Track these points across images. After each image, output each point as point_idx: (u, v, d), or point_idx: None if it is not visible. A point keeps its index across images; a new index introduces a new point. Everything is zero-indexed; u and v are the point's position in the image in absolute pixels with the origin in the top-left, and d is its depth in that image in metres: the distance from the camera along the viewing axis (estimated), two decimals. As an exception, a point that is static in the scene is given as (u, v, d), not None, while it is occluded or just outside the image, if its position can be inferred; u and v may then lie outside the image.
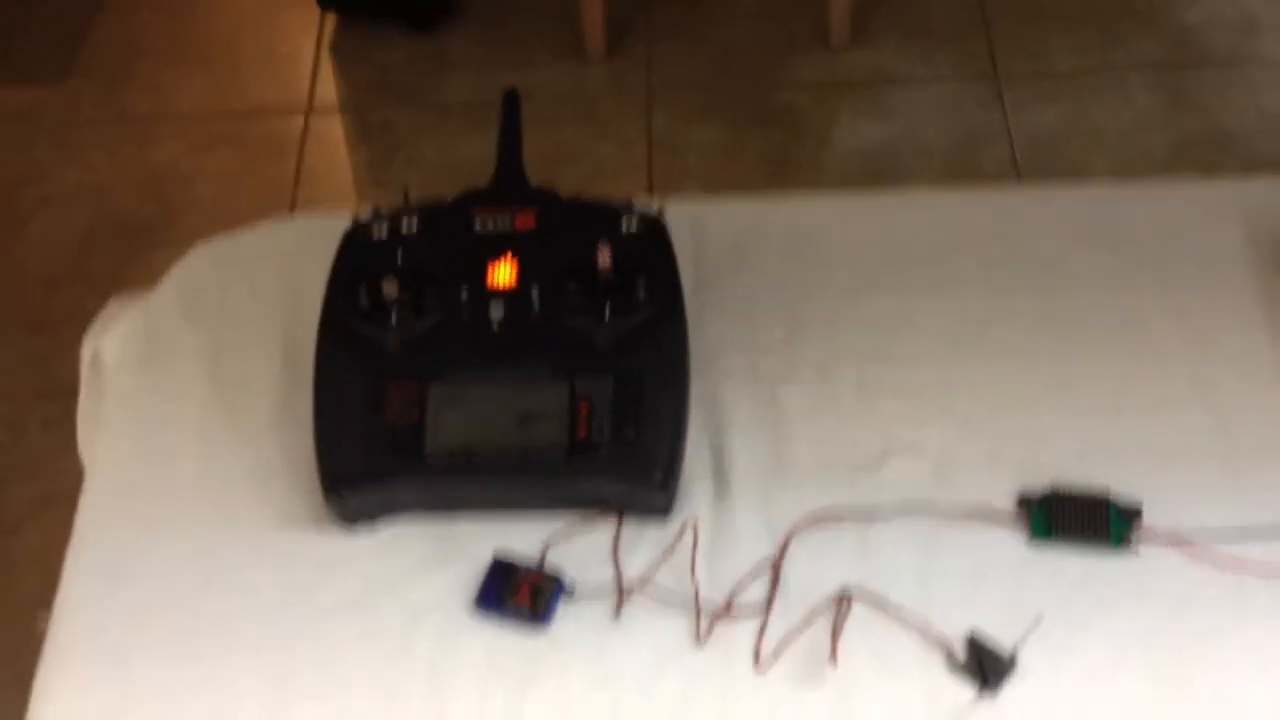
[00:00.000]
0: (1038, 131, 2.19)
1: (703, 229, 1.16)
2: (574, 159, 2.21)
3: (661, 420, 1.03)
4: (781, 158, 2.20)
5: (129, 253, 2.12)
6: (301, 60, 2.36)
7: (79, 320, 2.01)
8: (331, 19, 2.40)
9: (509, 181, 1.17)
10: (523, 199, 1.13)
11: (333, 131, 2.29)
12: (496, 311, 1.06)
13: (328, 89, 2.33)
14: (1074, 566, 1.02)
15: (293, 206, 2.17)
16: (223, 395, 1.13)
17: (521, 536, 1.05)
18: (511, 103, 1.21)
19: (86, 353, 1.21)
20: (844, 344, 1.14)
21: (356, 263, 1.09)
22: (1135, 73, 2.25)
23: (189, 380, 1.14)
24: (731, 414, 1.11)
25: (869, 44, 2.33)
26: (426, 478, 1.02)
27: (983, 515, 1.04)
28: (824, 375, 1.12)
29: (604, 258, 1.05)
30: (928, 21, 2.35)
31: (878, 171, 2.16)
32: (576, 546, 1.05)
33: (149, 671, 1.00)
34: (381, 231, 1.10)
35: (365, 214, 1.12)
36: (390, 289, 1.05)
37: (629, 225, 1.10)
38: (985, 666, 0.97)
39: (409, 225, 1.11)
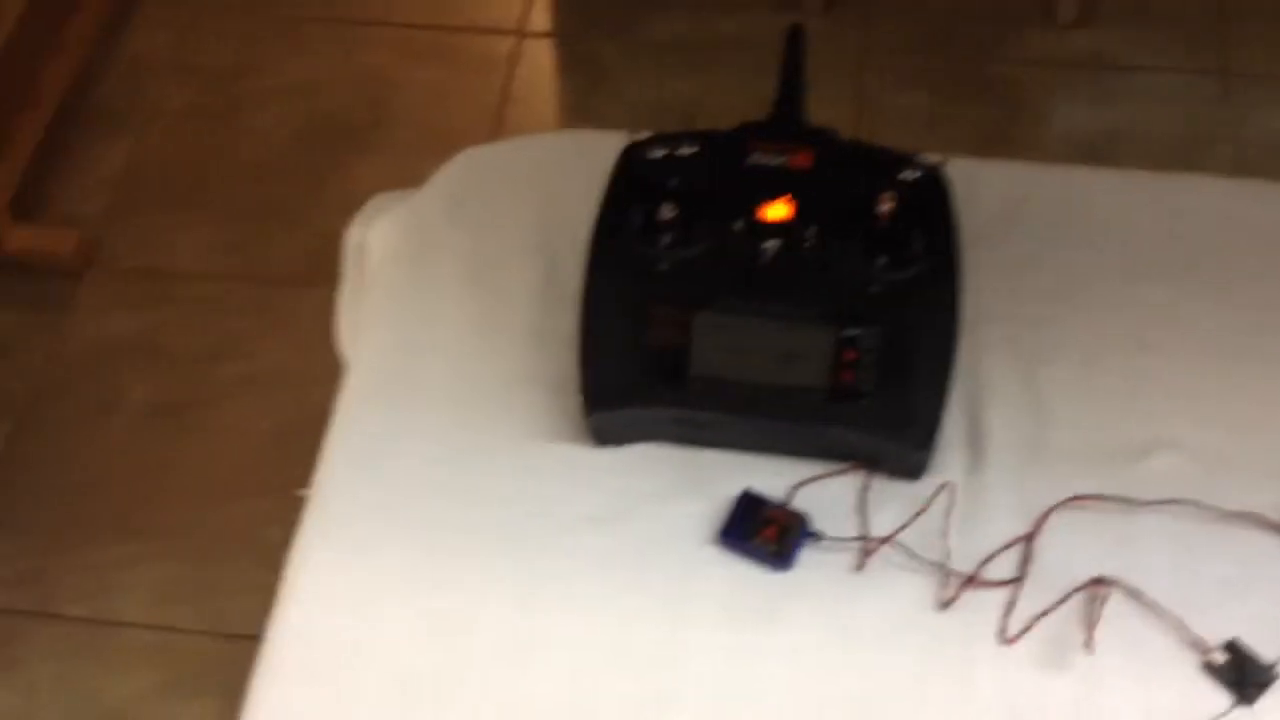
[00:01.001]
0: (1266, 135, 2.11)
1: (974, 189, 1.13)
2: (780, 111, 2.18)
3: (928, 377, 1.01)
4: (992, 133, 2.15)
5: (337, 152, 2.15)
6: (519, -18, 2.36)
7: (282, 212, 2.07)
8: (552, -56, 2.39)
9: (788, 118, 1.15)
10: (801, 136, 1.11)
11: (541, 57, 2.29)
12: (769, 246, 1.05)
13: (541, 14, 2.33)
14: (1343, 585, 0.98)
15: (497, 125, 2.18)
16: (483, 300, 1.14)
17: (768, 477, 1.05)
18: (795, 39, 1.19)
19: (351, 243, 1.23)
20: (1114, 329, 1.11)
21: (632, 182, 1.09)
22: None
23: (451, 282, 1.15)
24: (990, 386, 1.08)
25: (1097, 25, 2.26)
26: (685, 405, 1.02)
27: (1249, 522, 1.01)
28: (1090, 359, 1.09)
29: (885, 204, 1.03)
30: (1161, 8, 2.26)
31: (1094, 158, 2.09)
32: (824, 494, 1.04)
33: (396, 563, 1.02)
34: (657, 153, 1.09)
35: (642, 135, 1.12)
36: (665, 211, 1.04)
37: (910, 175, 1.08)
38: (1245, 675, 0.94)
39: (685, 150, 1.09)
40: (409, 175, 2.09)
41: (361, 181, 2.10)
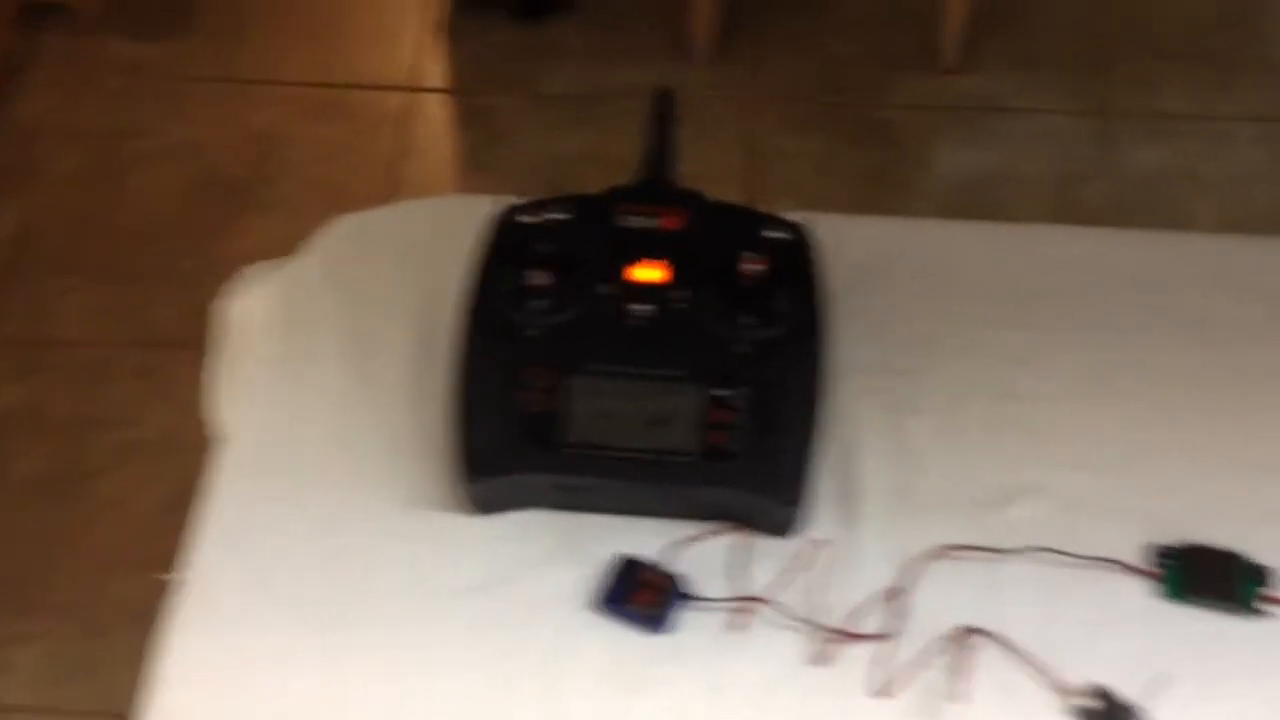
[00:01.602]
0: (1143, 172, 2.17)
1: (844, 244, 1.15)
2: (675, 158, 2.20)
3: (797, 435, 1.03)
4: (879, 176, 2.19)
5: (226, 212, 2.13)
6: (409, 38, 2.36)
7: (173, 274, 2.05)
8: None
9: (657, 179, 1.16)
10: (671, 198, 1.13)
11: (436, 111, 2.30)
12: (639, 308, 1.06)
13: (433, 69, 2.33)
14: (1203, 625, 1.01)
15: (391, 182, 2.18)
16: (358, 368, 1.13)
17: (644, 539, 1.05)
18: (664, 101, 1.21)
19: (224, 312, 1.22)
20: (976, 377, 1.13)
21: (504, 247, 1.09)
22: (1245, 124, 2.22)
23: (327, 350, 1.14)
24: (860, 438, 1.10)
25: (979, 69, 2.32)
26: (560, 470, 1.02)
27: (1110, 565, 1.03)
28: (955, 407, 1.11)
29: (750, 264, 1.05)
30: (1041, 51, 2.33)
31: (976, 199, 2.14)
32: (698, 555, 1.04)
33: (268, 641, 1.01)
34: (529, 218, 1.10)
35: (515, 200, 1.12)
36: (536, 276, 1.05)
37: (774, 234, 1.10)
38: (1113, 718, 0.96)
39: (556, 215, 1.10)
40: (301, 233, 2.06)
41: (250, 241, 2.09)
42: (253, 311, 1.19)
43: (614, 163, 2.16)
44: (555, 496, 1.06)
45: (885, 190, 2.16)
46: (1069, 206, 2.13)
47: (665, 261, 1.08)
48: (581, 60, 2.33)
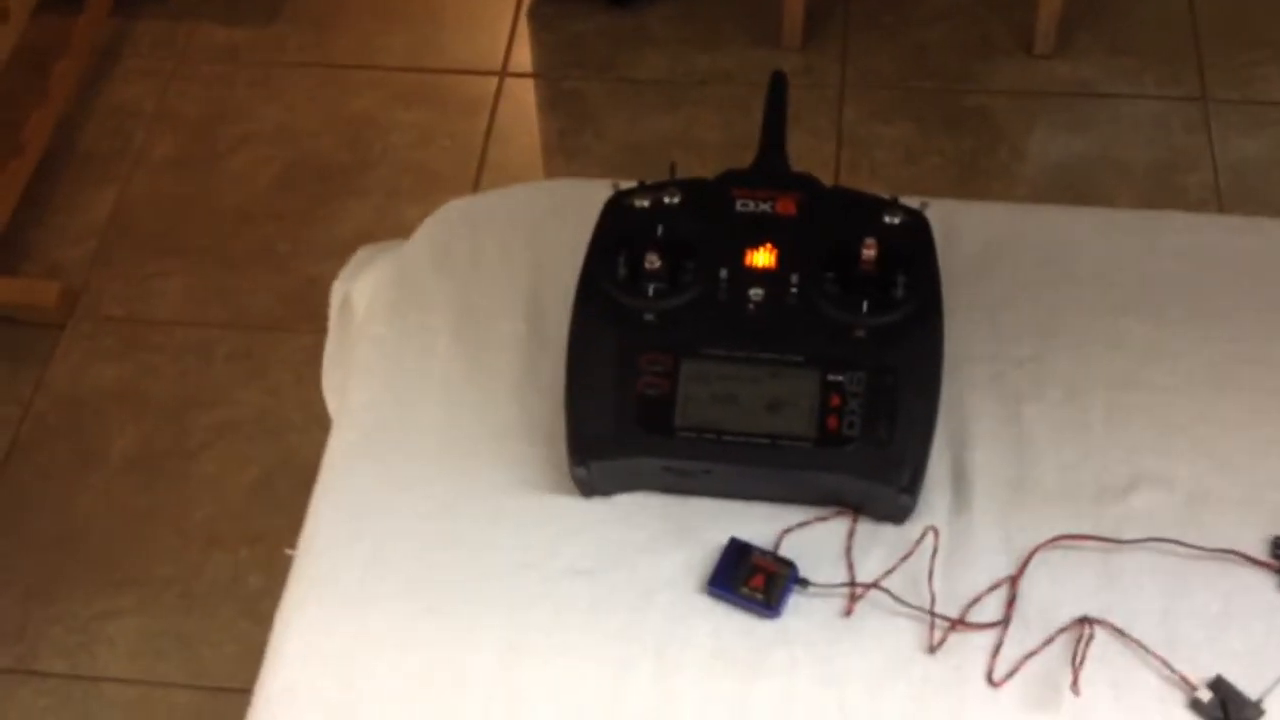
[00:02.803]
0: (1243, 161, 2.13)
1: (955, 230, 1.14)
2: (761, 145, 2.20)
3: (913, 422, 1.02)
4: (972, 163, 2.16)
5: (321, 196, 2.16)
6: (500, 24, 2.38)
7: (268, 257, 2.07)
8: (532, -16, 2.41)
9: (771, 164, 1.16)
10: (785, 183, 1.12)
11: (525, 96, 2.30)
12: (754, 293, 1.06)
13: (523, 54, 2.34)
14: (1328, 619, 0.99)
15: (481, 166, 2.19)
16: (469, 351, 1.14)
17: (755, 523, 1.05)
18: (778, 85, 1.20)
19: (336, 296, 1.23)
20: (1095, 366, 1.11)
21: (618, 231, 1.09)
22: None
23: (438, 334, 1.15)
24: (974, 426, 1.09)
25: (1073, 55, 2.28)
26: (673, 455, 1.02)
27: (1233, 557, 1.01)
28: (1072, 396, 1.10)
29: (869, 250, 1.04)
30: (1136, 37, 2.29)
31: (1072, 186, 2.11)
32: (810, 539, 1.04)
33: (385, 619, 1.02)
34: (643, 202, 1.10)
35: (627, 184, 1.13)
36: (651, 259, 1.05)
37: (892, 219, 1.09)
38: (1231, 712, 0.94)
39: (671, 199, 1.10)
40: (393, 217, 2.12)
41: (345, 225, 2.12)
42: (363, 295, 1.20)
43: (702, 147, 2.19)
44: (666, 480, 1.06)
45: (979, 177, 2.14)
46: (1168, 194, 2.09)
47: (781, 246, 1.08)
48: (669, 46, 2.33)
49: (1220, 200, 2.09)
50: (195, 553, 1.79)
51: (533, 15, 2.38)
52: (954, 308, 1.14)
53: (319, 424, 1.88)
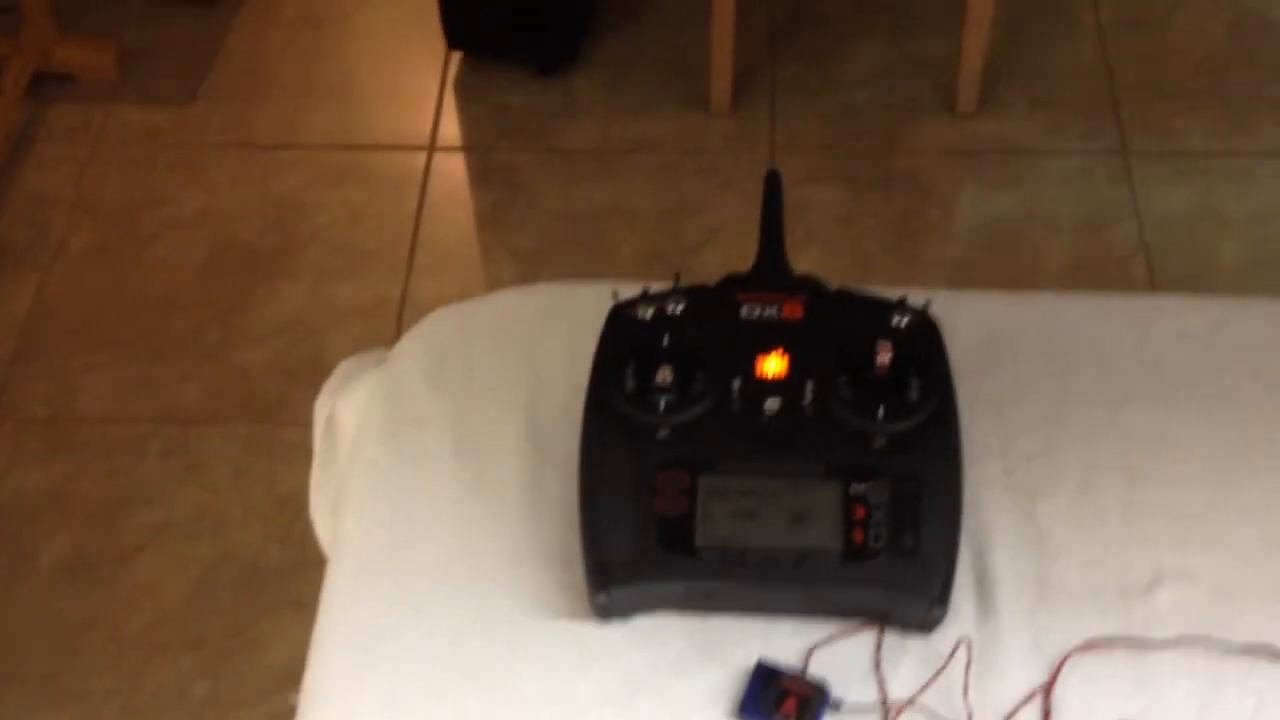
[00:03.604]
0: (1167, 212, 2.18)
1: (952, 322, 1.13)
2: (696, 211, 2.20)
3: (939, 530, 1.00)
4: (904, 224, 2.19)
5: (249, 280, 2.10)
6: (426, 97, 2.34)
7: (197, 346, 2.00)
8: (457, 57, 2.38)
9: (772, 266, 1.14)
10: (789, 286, 1.11)
11: (455, 170, 2.27)
12: (769, 403, 1.03)
13: (451, 127, 2.31)
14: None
15: (414, 244, 2.15)
16: (471, 471, 1.10)
17: (781, 640, 1.02)
18: (773, 185, 1.19)
19: (321, 414, 1.18)
20: (1104, 459, 1.11)
21: (623, 344, 1.06)
22: (1267, 159, 2.24)
23: (436, 453, 1.11)
24: (991, 525, 1.08)
25: (996, 112, 2.33)
26: (696, 575, 1.00)
27: (1265, 653, 1.01)
28: (1085, 491, 1.09)
29: (884, 354, 1.03)
30: (1055, 91, 2.34)
31: (1004, 243, 2.14)
32: (838, 655, 1.02)
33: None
34: (647, 312, 1.08)
35: (628, 289, 1.10)
36: (662, 374, 1.02)
37: (901, 321, 1.08)
38: (1277, 811, 0.94)
39: (675, 307, 1.08)
40: (324, 300, 2.06)
41: (276, 310, 2.06)
42: (351, 413, 1.15)
43: (636, 217, 2.17)
44: (688, 600, 1.03)
45: (912, 237, 2.16)
46: (1096, 248, 2.13)
47: (792, 353, 1.06)
48: (599, 113, 2.32)
49: (1148, 253, 2.13)
50: (135, 662, 1.71)
51: (458, 87, 2.35)
52: (960, 402, 1.13)
53: (260, 518, 1.84)
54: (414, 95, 2.35)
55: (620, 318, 1.08)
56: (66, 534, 1.81)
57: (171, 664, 1.70)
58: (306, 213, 2.18)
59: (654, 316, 1.07)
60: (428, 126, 2.30)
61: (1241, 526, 1.07)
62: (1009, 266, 2.11)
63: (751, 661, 1.01)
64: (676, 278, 1.11)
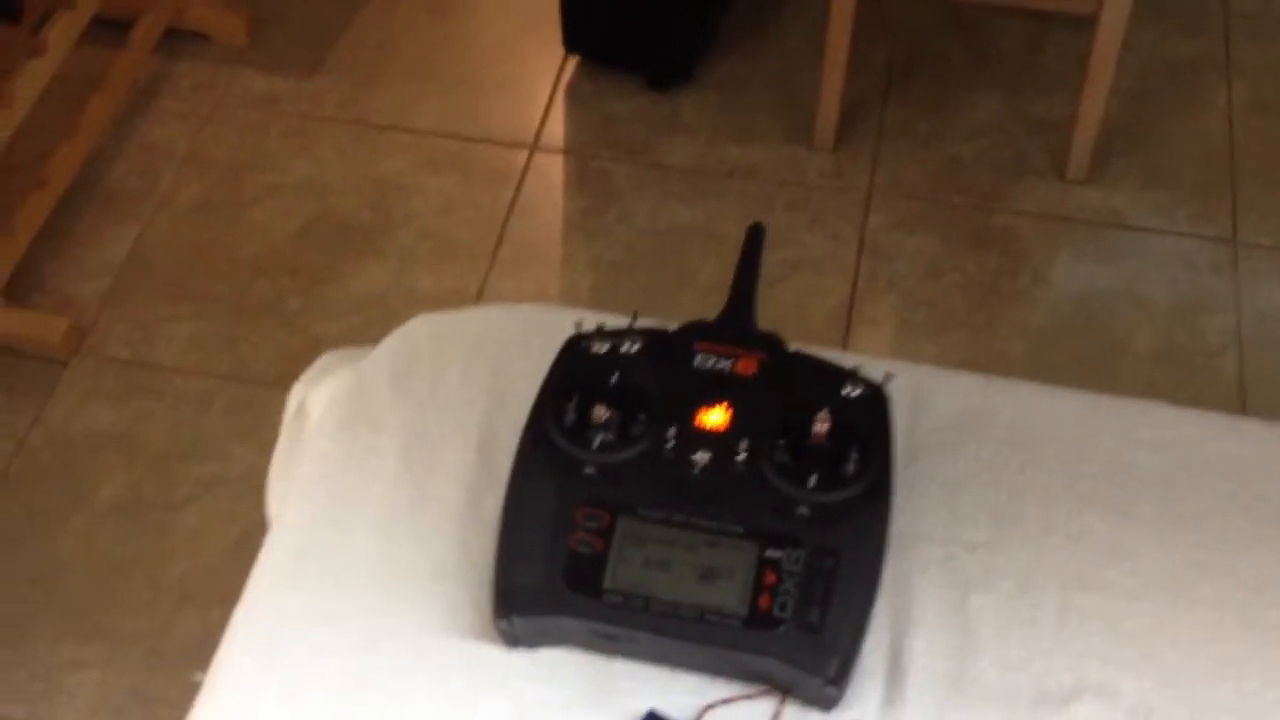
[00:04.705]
0: (1269, 309, 2.09)
1: (925, 398, 1.11)
2: (781, 244, 2.19)
3: (848, 611, 1.00)
4: (993, 284, 2.14)
5: (338, 254, 2.17)
6: (537, 97, 2.38)
7: (278, 312, 2.08)
8: (573, 62, 2.42)
9: (737, 319, 1.14)
10: (748, 341, 1.11)
11: (554, 172, 2.31)
12: (700, 455, 1.04)
13: (556, 129, 2.35)
14: None
15: (500, 239, 2.19)
16: (415, 479, 1.12)
17: (679, 694, 1.03)
18: (755, 237, 1.19)
19: (293, 400, 1.22)
20: (1050, 560, 1.08)
21: (571, 376, 1.08)
22: (1383, 267, 2.13)
23: (385, 457, 1.14)
24: (917, 611, 1.06)
25: (1106, 183, 2.26)
26: (598, 616, 1.01)
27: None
28: (1024, 590, 1.07)
29: (821, 424, 1.02)
30: (1172, 170, 2.26)
31: (1092, 319, 2.08)
32: (734, 717, 1.02)
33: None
34: (601, 348, 1.09)
35: (588, 319, 1.11)
36: (598, 410, 1.04)
37: (851, 391, 1.07)
38: None
39: (629, 347, 1.09)
40: (406, 284, 2.12)
41: (358, 287, 2.12)
42: (318, 404, 1.19)
43: (721, 241, 2.17)
44: (592, 639, 1.04)
45: (998, 298, 2.11)
46: (1188, 335, 2.06)
47: (734, 409, 1.06)
48: (702, 134, 2.33)
49: (1240, 349, 2.05)
50: (167, 609, 1.78)
51: (569, 91, 2.39)
52: (912, 480, 1.11)
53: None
54: (525, 93, 2.39)
55: (575, 350, 1.09)
56: (125, 475, 1.90)
57: (201, 615, 1.77)
58: (405, 195, 2.24)
59: (608, 353, 1.08)
60: (534, 126, 2.34)
61: (1175, 651, 1.04)
62: (1092, 344, 2.06)
63: (643, 710, 1.01)
64: (634, 316, 1.12)
